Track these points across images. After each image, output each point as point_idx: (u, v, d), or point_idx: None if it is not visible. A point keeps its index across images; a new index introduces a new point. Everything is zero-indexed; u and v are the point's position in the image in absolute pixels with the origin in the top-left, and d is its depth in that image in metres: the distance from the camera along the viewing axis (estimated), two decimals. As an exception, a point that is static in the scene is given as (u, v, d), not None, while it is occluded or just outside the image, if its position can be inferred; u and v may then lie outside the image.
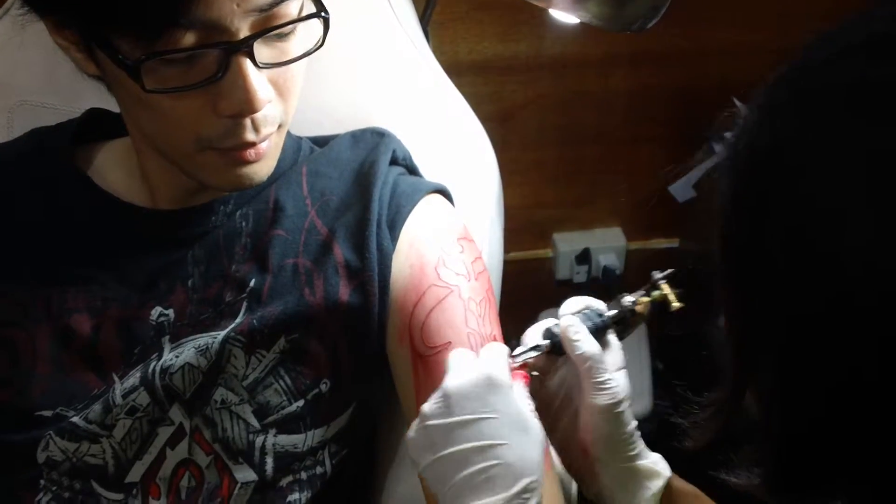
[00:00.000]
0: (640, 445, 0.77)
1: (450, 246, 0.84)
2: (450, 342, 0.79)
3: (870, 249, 0.48)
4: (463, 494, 0.66)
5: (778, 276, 0.52)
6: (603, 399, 0.75)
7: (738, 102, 0.58)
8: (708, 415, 0.63)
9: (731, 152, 0.56)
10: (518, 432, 0.68)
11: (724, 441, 0.61)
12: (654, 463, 0.78)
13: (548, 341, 0.77)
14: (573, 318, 0.77)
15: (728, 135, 0.58)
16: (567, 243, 1.81)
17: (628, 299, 0.79)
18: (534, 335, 0.79)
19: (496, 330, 0.83)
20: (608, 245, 1.80)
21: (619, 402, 0.75)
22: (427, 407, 0.70)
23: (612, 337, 0.79)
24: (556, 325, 0.78)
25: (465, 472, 0.66)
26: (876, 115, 0.49)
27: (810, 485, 0.55)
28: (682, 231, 1.77)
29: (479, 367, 0.71)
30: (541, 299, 1.62)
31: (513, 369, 0.75)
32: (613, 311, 0.79)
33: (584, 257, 1.80)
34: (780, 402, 0.54)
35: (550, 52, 1.59)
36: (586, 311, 0.79)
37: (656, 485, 0.77)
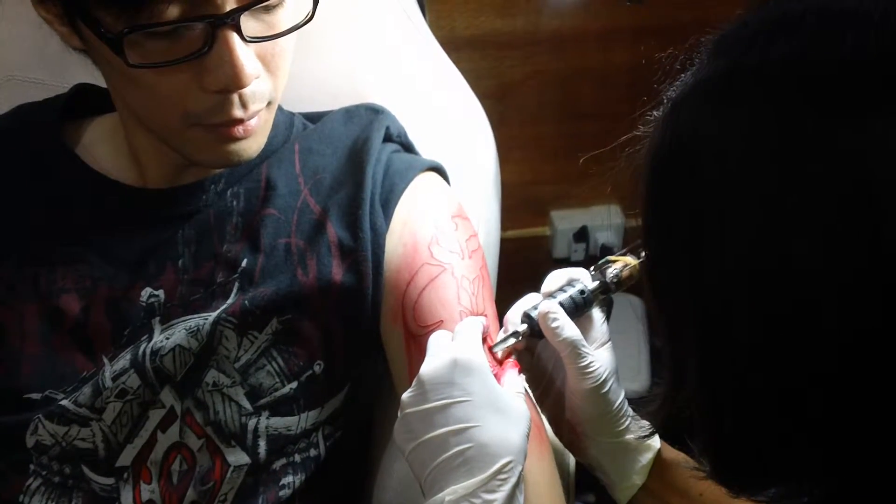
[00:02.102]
0: (628, 420, 0.77)
1: (443, 224, 0.83)
2: (442, 321, 0.78)
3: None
4: (441, 478, 0.66)
5: (686, 260, 0.53)
6: (586, 383, 0.75)
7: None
8: (653, 407, 0.63)
9: (654, 133, 0.55)
10: (493, 413, 0.67)
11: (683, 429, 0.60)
12: (643, 433, 0.77)
13: (525, 326, 0.77)
14: (551, 302, 0.76)
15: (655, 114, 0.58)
16: (564, 221, 1.80)
17: (612, 271, 0.78)
18: (514, 318, 0.78)
19: (489, 308, 0.81)
20: (606, 222, 1.79)
21: (602, 384, 0.75)
22: (405, 396, 0.70)
23: (595, 312, 0.78)
24: (534, 308, 0.77)
25: (443, 457, 0.66)
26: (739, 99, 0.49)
27: (749, 472, 0.55)
28: (680, 208, 1.76)
29: (451, 350, 0.70)
30: (538, 278, 1.60)
31: (496, 358, 0.75)
32: (596, 284, 0.78)
33: (581, 235, 1.79)
34: (705, 390, 0.54)
35: (549, 27, 1.57)
36: (568, 286, 0.77)
37: (646, 457, 0.78)
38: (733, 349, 0.51)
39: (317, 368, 0.81)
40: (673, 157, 0.53)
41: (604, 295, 0.78)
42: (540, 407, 0.81)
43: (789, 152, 0.47)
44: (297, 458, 0.82)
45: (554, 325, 0.74)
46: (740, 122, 0.49)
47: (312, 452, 0.82)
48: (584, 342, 0.75)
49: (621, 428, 0.77)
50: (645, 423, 0.77)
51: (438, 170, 0.89)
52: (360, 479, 0.93)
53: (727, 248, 0.49)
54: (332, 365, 0.82)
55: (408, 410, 0.69)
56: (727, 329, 0.51)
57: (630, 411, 0.77)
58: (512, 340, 0.76)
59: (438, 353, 0.71)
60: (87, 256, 0.83)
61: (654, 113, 0.59)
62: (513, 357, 0.77)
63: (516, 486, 0.65)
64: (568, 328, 0.74)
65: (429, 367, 0.70)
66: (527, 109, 1.65)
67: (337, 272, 0.81)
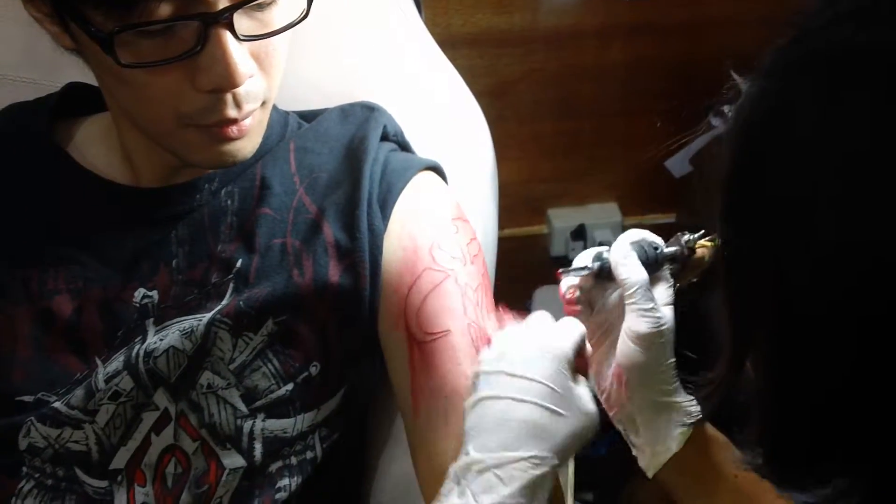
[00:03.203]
0: (676, 383, 0.75)
1: (444, 227, 0.82)
2: (448, 330, 0.78)
3: (848, 225, 0.48)
4: (481, 437, 0.68)
5: (772, 251, 0.52)
6: (644, 325, 0.72)
7: (735, 75, 0.57)
8: (706, 392, 0.63)
9: (731, 124, 0.55)
10: (559, 402, 0.69)
11: (732, 419, 0.60)
12: (689, 403, 0.75)
13: (597, 264, 0.76)
14: (626, 244, 0.75)
15: (727, 108, 0.57)
16: (562, 219, 1.79)
17: (687, 237, 0.77)
18: (585, 257, 0.78)
19: (492, 319, 0.81)
20: (604, 221, 1.78)
21: (660, 332, 0.73)
22: (486, 353, 0.73)
23: (664, 272, 0.77)
24: (608, 249, 0.76)
25: (493, 419, 0.69)
26: (858, 81, 0.49)
27: (808, 465, 0.54)
28: (678, 206, 1.76)
29: (545, 332, 0.73)
30: (535, 277, 1.60)
31: (563, 297, 0.77)
32: (671, 249, 0.77)
33: (579, 233, 1.79)
34: (775, 379, 0.54)
35: (546, 25, 1.56)
36: (642, 242, 0.76)
37: (686, 423, 0.74)
38: (815, 342, 0.51)
39: (313, 370, 0.81)
40: (772, 126, 0.52)
41: (673, 264, 0.77)
42: (593, 353, 0.80)
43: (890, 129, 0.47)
44: (294, 460, 0.81)
45: (625, 264, 0.73)
46: (852, 102, 0.49)
47: (309, 455, 0.82)
48: (650, 288, 0.74)
49: (667, 387, 0.74)
50: (690, 398, 0.75)
51: (436, 169, 0.88)
52: (356, 482, 0.92)
53: (819, 228, 0.49)
54: (328, 367, 0.81)
55: (484, 367, 0.71)
56: (806, 317, 0.50)
57: (678, 380, 0.76)
58: (583, 272, 0.76)
59: (533, 330, 0.74)
60: (80, 257, 0.82)
61: (726, 108, 0.59)
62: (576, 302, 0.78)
63: (544, 476, 0.68)
64: (637, 269, 0.74)
65: (519, 336, 0.73)
66: (524, 107, 1.65)
67: (334, 273, 0.80)
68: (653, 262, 0.76)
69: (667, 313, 0.74)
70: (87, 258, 0.82)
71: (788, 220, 0.51)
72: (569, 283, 0.77)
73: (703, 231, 0.78)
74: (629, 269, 0.73)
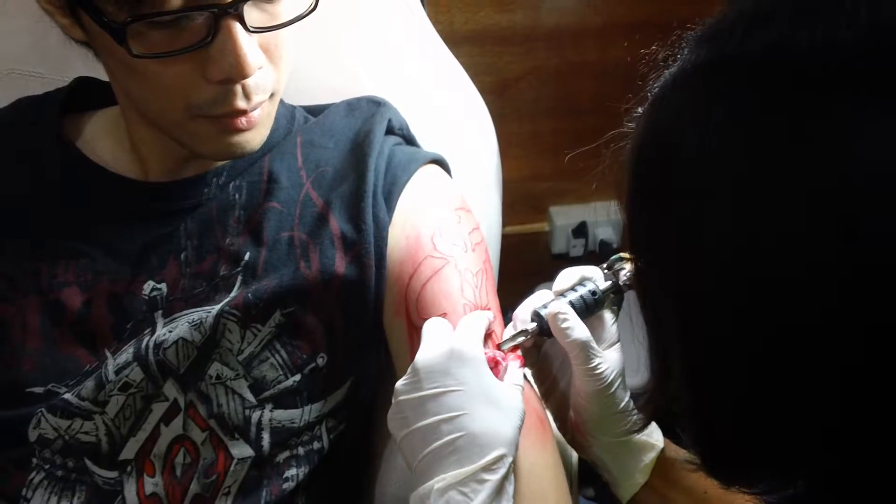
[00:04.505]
0: (632, 420, 0.76)
1: (446, 216, 0.83)
2: (445, 313, 0.78)
3: (733, 245, 0.47)
4: (431, 466, 0.66)
5: (667, 272, 0.52)
6: (593, 385, 0.74)
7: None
8: (642, 402, 0.63)
9: (630, 143, 0.55)
10: (486, 405, 0.67)
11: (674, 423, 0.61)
12: (648, 435, 0.78)
13: (535, 325, 0.76)
14: (561, 302, 0.75)
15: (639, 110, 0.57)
16: (563, 217, 1.80)
17: (625, 273, 0.77)
18: (523, 315, 0.78)
19: (493, 301, 0.81)
20: (605, 218, 1.79)
21: (608, 385, 0.74)
22: (399, 383, 0.70)
23: (606, 312, 0.77)
24: (544, 306, 0.76)
25: (434, 445, 0.66)
26: (721, 93, 0.49)
27: (738, 466, 0.54)
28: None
29: (449, 340, 0.71)
30: (537, 274, 1.60)
31: (502, 352, 0.74)
32: (608, 284, 0.77)
33: (580, 231, 1.79)
34: (690, 386, 0.54)
35: (548, 22, 1.57)
36: (580, 287, 0.77)
37: (649, 456, 0.78)
38: (711, 340, 0.51)
39: (320, 361, 0.81)
40: (653, 149, 0.53)
41: (615, 295, 0.77)
42: (546, 400, 0.81)
43: (765, 140, 0.46)
44: (301, 450, 0.82)
45: (564, 325, 0.74)
46: (718, 112, 0.48)
47: (316, 445, 0.82)
48: (594, 344, 0.74)
49: (625, 428, 0.76)
50: (638, 416, 0.77)
51: (440, 162, 0.89)
52: (363, 472, 0.92)
53: (704, 237, 0.49)
54: (335, 357, 0.82)
55: (401, 397, 0.69)
56: (704, 320, 0.51)
57: (633, 409, 0.77)
58: (521, 338, 0.76)
59: (435, 342, 0.71)
60: (89, 250, 0.82)
61: (640, 109, 0.59)
62: (517, 351, 0.77)
63: (506, 478, 0.65)
64: (578, 329, 0.74)
65: (424, 355, 0.70)
66: (525, 105, 1.65)
67: (340, 265, 0.81)
68: (593, 305, 0.76)
69: (612, 359, 0.75)
70: (96, 251, 0.82)
71: (678, 244, 0.51)
72: (511, 347, 0.76)
73: (619, 254, 0.79)
74: (568, 329, 0.74)
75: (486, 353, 0.71)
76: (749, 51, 0.48)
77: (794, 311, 0.46)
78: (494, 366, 0.72)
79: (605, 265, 0.80)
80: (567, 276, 0.79)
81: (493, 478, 0.64)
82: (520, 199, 1.73)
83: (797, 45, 0.46)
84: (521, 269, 1.57)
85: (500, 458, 0.65)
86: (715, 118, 0.48)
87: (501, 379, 0.71)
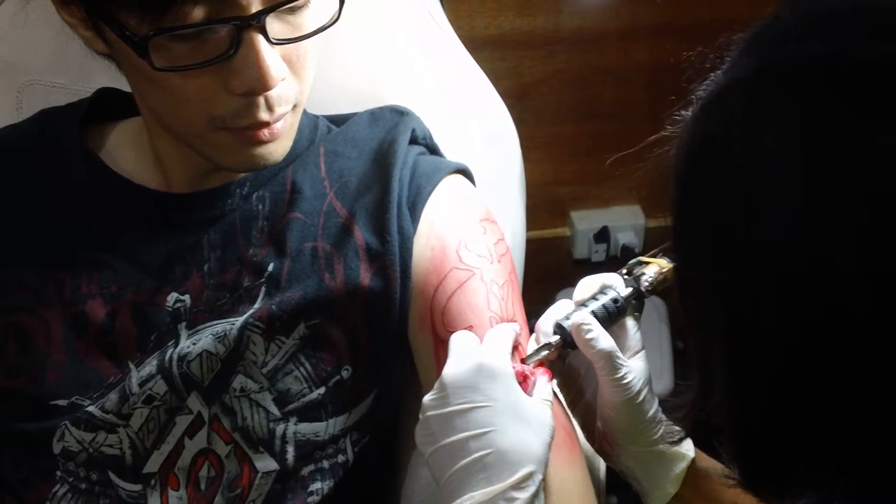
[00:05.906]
0: (661, 428, 0.76)
1: (471, 228, 0.82)
2: (471, 326, 0.77)
3: (799, 232, 0.47)
4: (460, 484, 0.65)
5: (716, 261, 0.52)
6: (620, 395, 0.73)
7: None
8: (682, 413, 0.62)
9: (675, 151, 0.54)
10: (515, 421, 0.66)
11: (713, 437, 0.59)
12: (678, 444, 0.76)
13: (558, 337, 0.75)
14: (584, 313, 0.74)
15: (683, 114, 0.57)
16: (585, 221, 1.78)
17: (646, 278, 0.76)
18: (545, 327, 0.77)
19: (519, 312, 0.80)
20: (627, 223, 1.77)
21: (636, 395, 0.73)
22: (426, 398, 0.69)
23: (628, 319, 0.76)
24: (567, 318, 0.75)
25: (462, 462, 0.65)
26: (770, 98, 0.48)
27: (781, 482, 0.53)
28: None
29: (476, 354, 0.70)
30: (558, 279, 1.59)
31: (529, 366, 0.73)
32: (629, 291, 0.76)
33: (602, 235, 1.78)
34: (736, 399, 0.53)
35: (569, 26, 1.56)
36: (601, 295, 0.76)
37: (680, 466, 0.76)
38: (763, 353, 0.50)
39: (344, 373, 0.81)
40: (704, 156, 0.52)
41: (637, 301, 0.76)
42: (572, 410, 0.80)
43: (820, 151, 0.46)
44: (326, 463, 0.81)
45: (588, 336, 0.73)
46: (771, 121, 0.48)
47: (340, 458, 0.82)
48: (619, 353, 0.73)
49: (654, 437, 0.75)
50: (676, 427, 0.76)
51: (465, 172, 0.88)
52: (387, 485, 0.92)
53: (756, 247, 0.48)
54: (360, 370, 0.81)
55: (429, 413, 0.68)
56: (756, 332, 0.50)
57: (662, 418, 0.76)
58: (544, 352, 0.75)
59: (462, 356, 0.70)
60: (112, 262, 0.82)
61: (683, 112, 0.58)
62: (544, 365, 0.76)
63: (535, 496, 0.64)
64: (602, 339, 0.73)
65: (452, 370, 0.69)
66: (547, 109, 1.64)
67: (364, 276, 0.80)
68: (615, 313, 0.75)
69: (638, 368, 0.74)
70: (119, 263, 0.82)
71: (730, 251, 0.50)
72: (536, 361, 0.75)
73: (655, 251, 0.77)
74: (593, 340, 0.73)
75: (514, 368, 0.70)
76: (804, 59, 0.47)
77: (854, 321, 0.45)
78: (523, 380, 0.71)
79: (623, 270, 0.79)
80: (587, 285, 0.78)
81: (523, 496, 0.63)
82: (541, 204, 1.72)
83: (855, 52, 0.45)
84: (542, 274, 1.56)
85: (530, 476, 0.64)
86: (768, 125, 0.48)
87: (530, 394, 0.70)
